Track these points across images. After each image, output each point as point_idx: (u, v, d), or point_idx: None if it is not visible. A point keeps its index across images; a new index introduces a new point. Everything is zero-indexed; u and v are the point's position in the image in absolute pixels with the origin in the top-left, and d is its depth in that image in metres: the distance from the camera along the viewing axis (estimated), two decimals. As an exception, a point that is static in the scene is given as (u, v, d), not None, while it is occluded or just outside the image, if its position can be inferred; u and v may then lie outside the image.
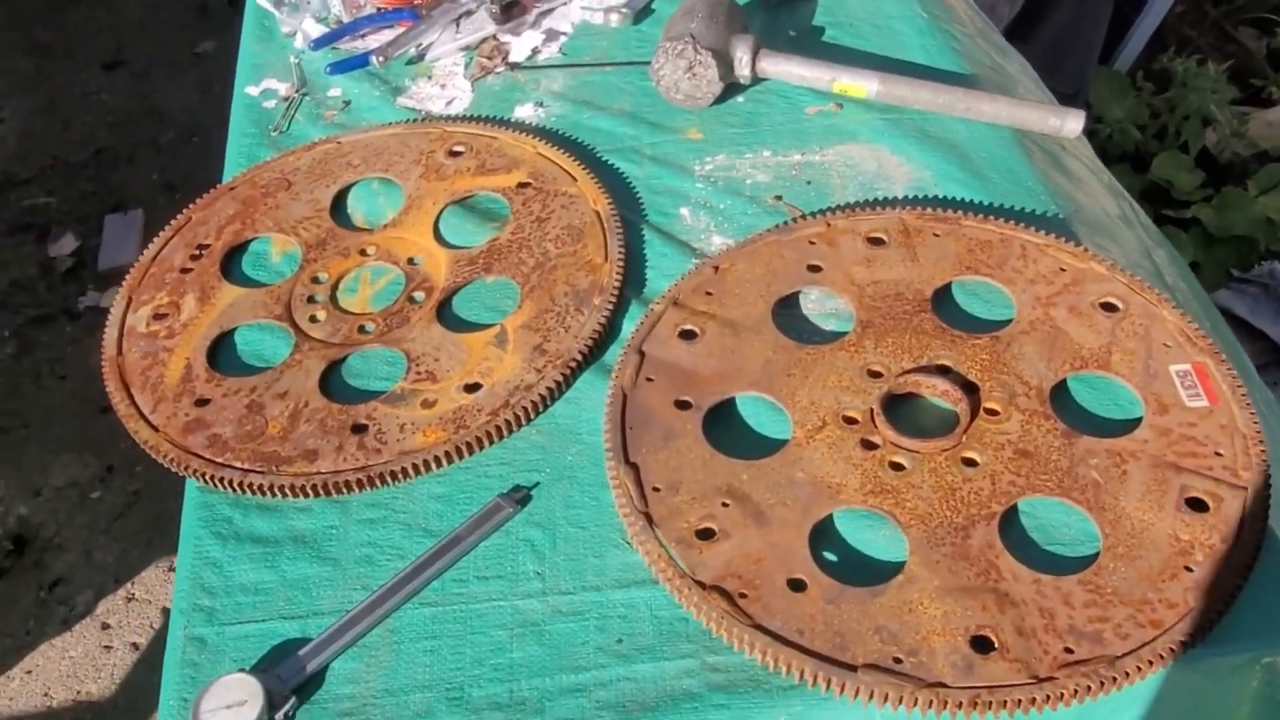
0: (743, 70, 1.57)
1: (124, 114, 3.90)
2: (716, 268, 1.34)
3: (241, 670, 1.04)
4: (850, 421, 1.17)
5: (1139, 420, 1.15)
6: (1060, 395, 1.19)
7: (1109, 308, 1.25)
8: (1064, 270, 1.29)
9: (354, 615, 1.09)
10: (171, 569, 2.60)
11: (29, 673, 2.42)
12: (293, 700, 1.03)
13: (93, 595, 2.57)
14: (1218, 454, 1.11)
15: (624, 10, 1.78)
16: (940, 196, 1.43)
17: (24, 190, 3.63)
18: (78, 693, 2.38)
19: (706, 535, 1.09)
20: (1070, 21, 3.41)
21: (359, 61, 1.74)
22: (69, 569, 2.61)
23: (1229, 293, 2.87)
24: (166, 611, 2.51)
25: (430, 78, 1.73)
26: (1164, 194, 3.05)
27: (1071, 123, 1.50)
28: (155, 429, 1.25)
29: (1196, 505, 1.07)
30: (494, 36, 1.76)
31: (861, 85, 1.54)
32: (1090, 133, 3.06)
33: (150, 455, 1.23)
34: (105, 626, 2.52)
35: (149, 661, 2.42)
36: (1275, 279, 2.87)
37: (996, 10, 3.53)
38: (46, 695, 2.38)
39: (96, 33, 4.29)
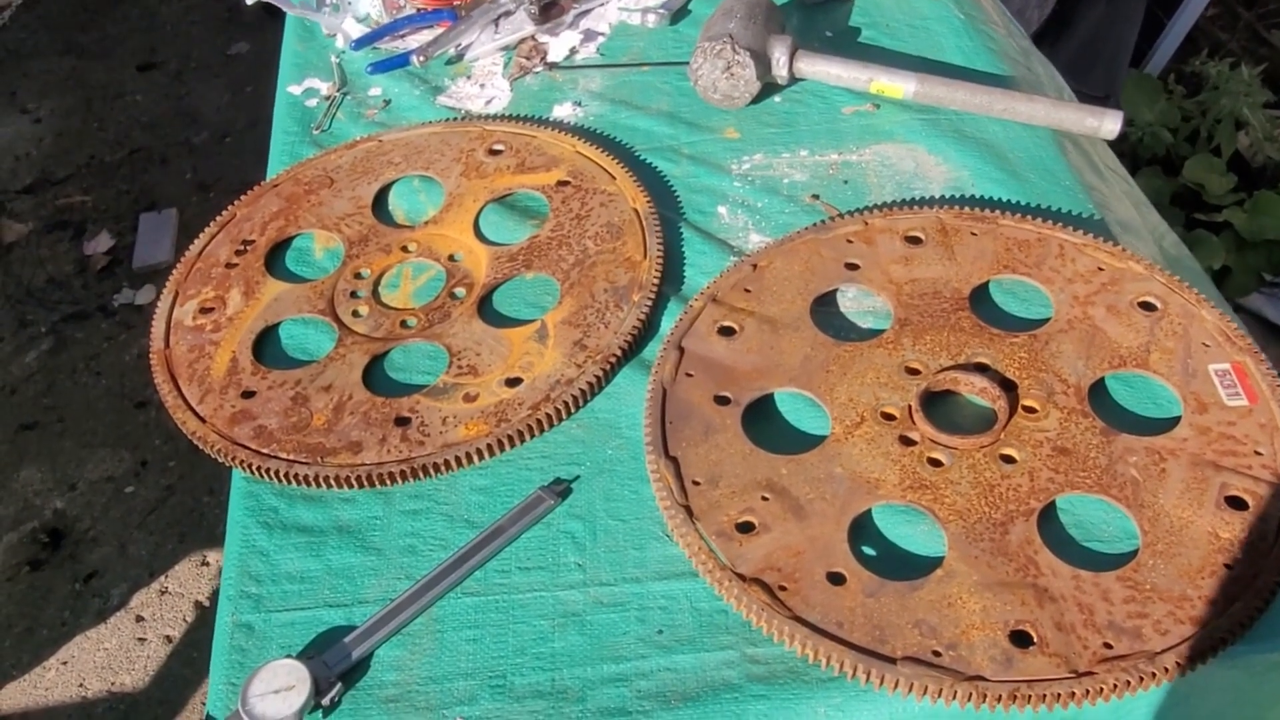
0: (780, 70, 1.58)
1: (158, 114, 3.95)
2: (755, 265, 1.35)
3: (288, 656, 1.06)
4: (888, 418, 1.18)
5: (1178, 419, 1.15)
6: (1098, 393, 1.19)
7: (1147, 307, 1.25)
8: (1102, 270, 1.30)
9: (398, 604, 1.10)
10: (204, 563, 2.63)
11: (64, 664, 2.45)
12: (339, 686, 1.05)
13: (127, 588, 2.60)
14: (1257, 453, 1.11)
15: (661, 11, 1.80)
16: (977, 196, 1.44)
17: (60, 189, 3.67)
18: (112, 684, 2.41)
19: (746, 528, 1.10)
20: (1101, 25, 3.40)
21: (399, 61, 1.76)
22: (103, 562, 2.64)
23: (1261, 297, 2.86)
24: (199, 605, 2.54)
25: (469, 77, 1.75)
26: (1195, 197, 3.04)
27: (1110, 123, 1.50)
28: (203, 420, 1.27)
29: (1236, 503, 1.07)
30: (532, 37, 1.78)
31: (899, 86, 1.55)
32: (1121, 135, 3.06)
33: (196, 446, 1.25)
34: (139, 619, 2.55)
35: (182, 654, 2.45)
36: (1308, 284, 2.86)
37: (1025, 14, 3.53)
38: (81, 686, 2.41)
39: (131, 35, 4.33)
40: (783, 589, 1.05)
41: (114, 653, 2.47)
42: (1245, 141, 3.12)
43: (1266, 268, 2.90)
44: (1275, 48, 3.40)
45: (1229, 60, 3.23)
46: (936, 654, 0.99)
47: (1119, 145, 1.79)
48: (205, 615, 2.49)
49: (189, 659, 2.43)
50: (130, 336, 3.11)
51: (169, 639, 2.51)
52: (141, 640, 2.51)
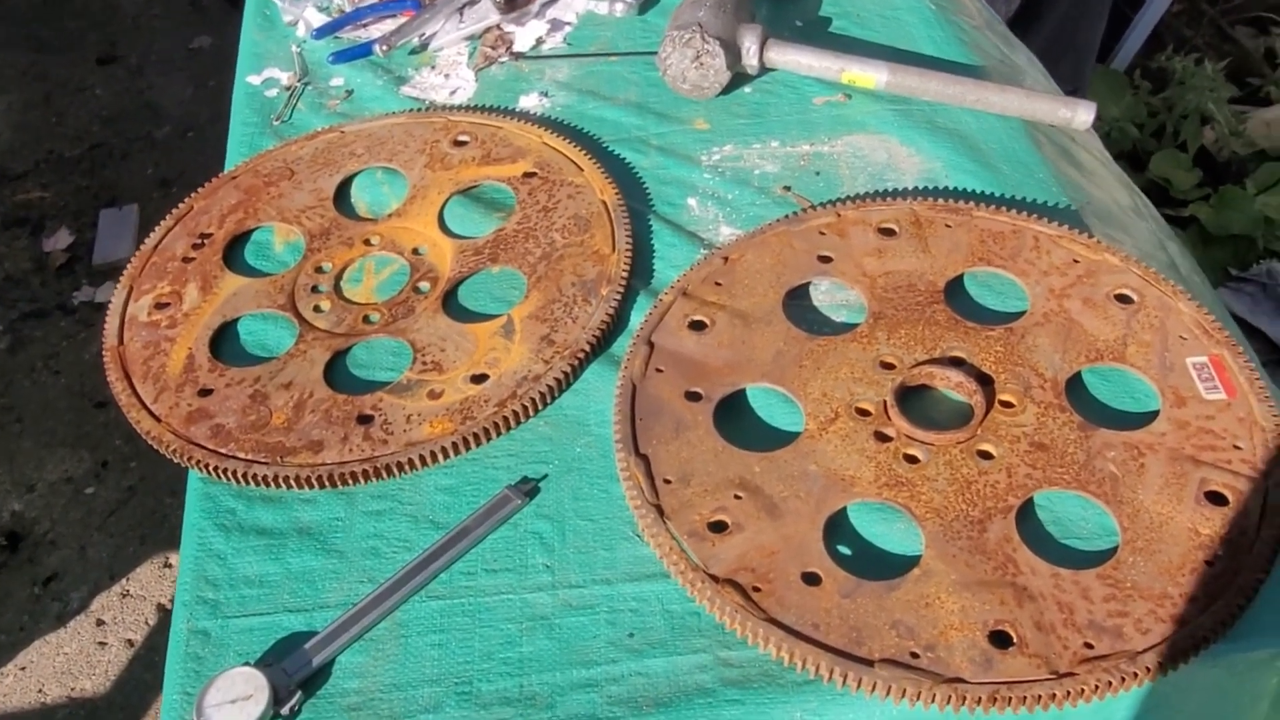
0: (750, 60, 1.56)
1: (118, 109, 3.88)
2: (726, 258, 1.32)
3: (246, 664, 1.03)
4: (863, 413, 1.16)
5: (1156, 413, 1.14)
6: (1076, 388, 1.17)
7: (1124, 299, 1.24)
8: (1077, 262, 1.28)
9: (361, 608, 1.07)
10: (167, 565, 2.58)
11: (23, 669, 2.40)
12: (299, 694, 1.01)
13: (87, 591, 2.55)
14: (1236, 447, 1.09)
15: (629, 0, 1.76)
16: (951, 188, 1.42)
17: (18, 184, 3.60)
18: (72, 689, 2.36)
19: (719, 528, 1.07)
20: (1068, 20, 3.40)
21: (361, 51, 1.72)
22: (63, 565, 2.59)
23: (1227, 291, 2.86)
24: (161, 608, 2.49)
25: (434, 67, 1.71)
26: (1162, 193, 3.05)
27: (1082, 114, 1.49)
28: (158, 419, 1.23)
29: (1216, 499, 1.06)
30: (498, 26, 1.75)
31: (870, 76, 1.53)
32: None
33: (152, 446, 1.21)
34: (100, 623, 2.50)
35: (144, 658, 2.40)
36: (1273, 278, 2.87)
37: (994, 7, 3.52)
38: (40, 692, 2.36)
39: (91, 28, 4.26)
40: (756, 590, 1.02)
41: (74, 657, 2.42)
42: (1211, 137, 3.13)
43: (1232, 262, 2.91)
44: (1239, 43, 3.42)
45: (1194, 56, 3.24)
46: (915, 656, 0.97)
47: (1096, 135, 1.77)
48: (168, 618, 2.43)
49: (151, 663, 2.38)
50: (90, 335, 3.05)
51: (130, 643, 2.46)
52: (102, 644, 2.46)
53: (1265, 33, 3.38)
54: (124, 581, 2.58)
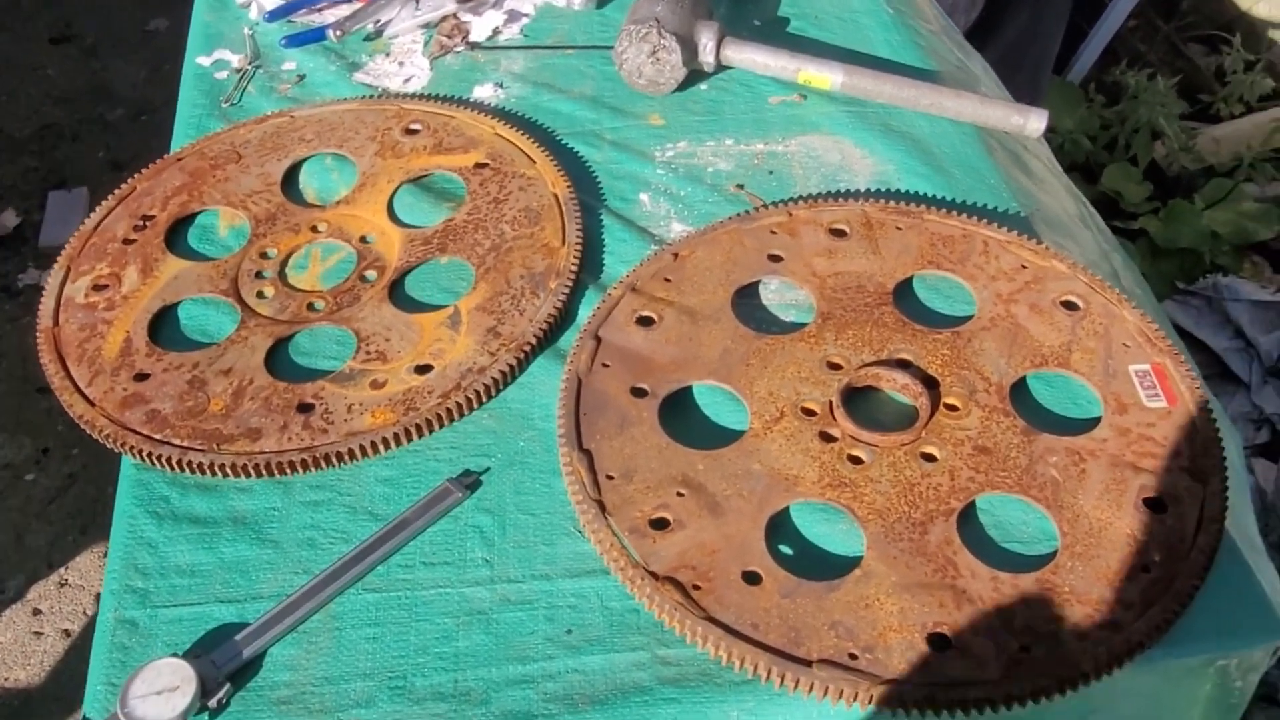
0: (707, 57, 1.55)
1: (71, 90, 3.80)
2: (676, 255, 1.31)
3: (174, 655, 1.00)
4: (809, 413, 1.15)
5: (1098, 419, 1.14)
6: (1020, 392, 1.18)
7: (1070, 306, 1.24)
8: (1025, 267, 1.28)
9: (294, 600, 1.05)
10: (106, 555, 2.53)
11: (-46, 658, 2.34)
12: (227, 687, 0.99)
13: (24, 580, 2.50)
14: (1176, 454, 1.10)
15: (587, -7, 1.76)
16: (903, 191, 1.42)
17: (-37, 164, 3.52)
18: (5, 679, 2.31)
19: (660, 525, 1.06)
20: (1025, 32, 3.43)
21: (315, 35, 1.69)
22: (0, 552, 2.53)
23: (1173, 304, 2.90)
24: (100, 598, 2.44)
25: (388, 54, 1.69)
26: (1113, 205, 3.08)
27: (1034, 121, 1.49)
28: (91, 403, 1.20)
29: (1155, 505, 1.06)
30: (454, 15, 1.73)
31: (826, 77, 1.52)
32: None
33: (85, 431, 1.18)
34: (36, 612, 2.45)
35: (81, 649, 2.35)
36: (1218, 292, 2.91)
37: (954, 16, 3.55)
38: (-29, 681, 2.31)
39: (44, 6, 4.17)
40: (696, 588, 1.01)
41: (8, 646, 2.37)
42: (1161, 151, 3.17)
43: (1179, 275, 2.94)
44: (1191, 60, 3.46)
45: (1147, 71, 3.28)
46: (853, 657, 0.96)
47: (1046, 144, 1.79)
48: (105, 609, 2.40)
49: (87, 654, 2.30)
50: (34, 319, 2.97)
51: (67, 633, 2.41)
52: (38, 634, 2.41)
53: (1216, 51, 3.43)
54: (62, 571, 2.53)
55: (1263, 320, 2.90)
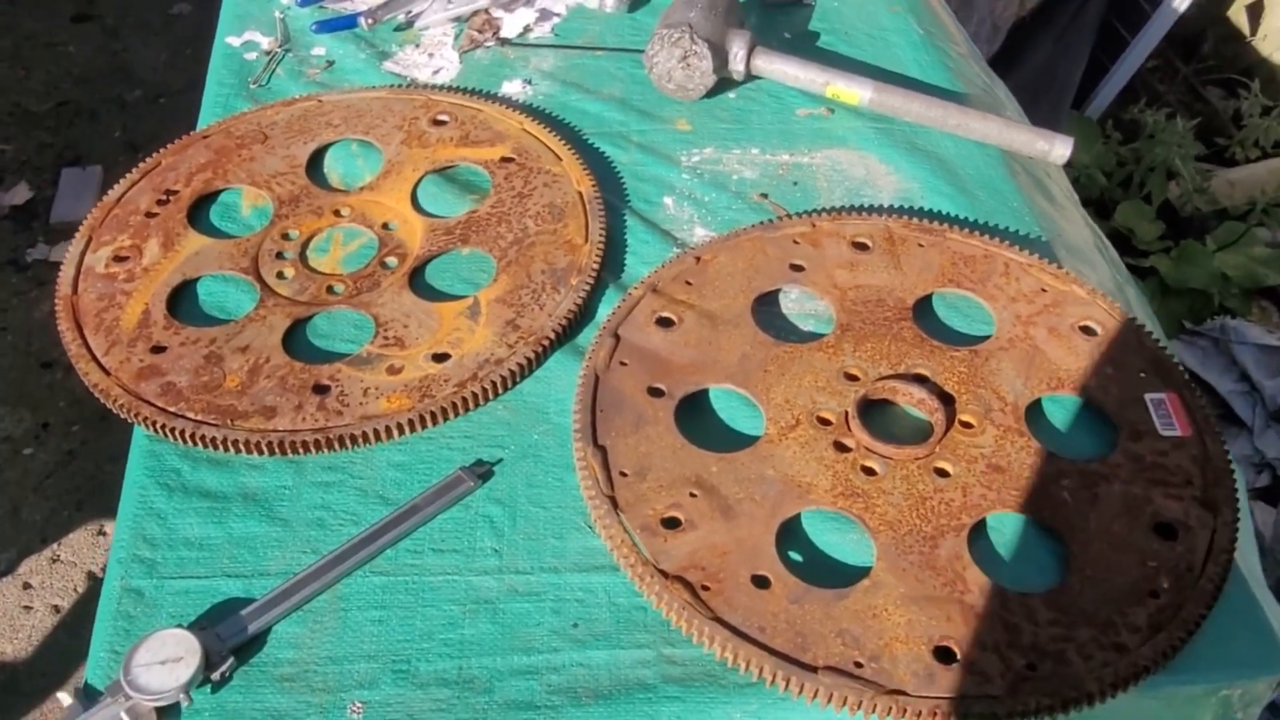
0: (737, 65, 1.55)
1: (90, 69, 3.81)
2: (698, 258, 1.32)
3: (179, 626, 1.00)
4: (824, 422, 1.15)
5: (1113, 445, 1.14)
6: (1036, 414, 1.18)
7: (1088, 331, 1.25)
8: (1045, 291, 1.29)
9: (302, 578, 1.05)
10: (101, 533, 2.53)
11: (-58, 627, 2.33)
12: (231, 660, 0.99)
13: (16, 554, 2.49)
14: (1188, 483, 1.10)
15: (620, -4, 1.76)
16: (926, 209, 1.43)
17: (-22, 136, 3.53)
18: (-9, 651, 2.30)
19: (672, 524, 1.06)
20: (1046, 65, 3.45)
21: (346, 22, 1.70)
22: (-7, 525, 2.53)
23: (1180, 344, 2.90)
24: (92, 575, 2.44)
25: (418, 45, 1.70)
26: (1125, 242, 3.09)
27: (1060, 148, 1.50)
28: (107, 372, 1.20)
29: (1165, 532, 1.06)
30: (486, 10, 1.73)
31: (855, 92, 1.53)
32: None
33: (99, 400, 1.18)
34: (27, 586, 2.44)
35: (69, 625, 2.34)
36: (1226, 334, 2.92)
37: (977, 45, 3.57)
38: (-42, 652, 2.30)
39: (68, -17, 4.19)
40: (705, 589, 1.01)
41: (-4, 619, 2.37)
42: (1176, 191, 3.18)
43: (1187, 315, 2.95)
44: (1209, 103, 3.48)
45: (1166, 111, 3.29)
46: (858, 665, 0.96)
47: (1065, 174, 1.79)
48: (97, 586, 2.38)
49: (76, 630, 2.32)
50: (42, 294, 2.98)
51: (57, 609, 2.40)
52: (27, 608, 2.40)
53: (1235, 95, 3.44)
54: (55, 546, 2.52)
55: (1268, 364, 2.90)
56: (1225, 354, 2.92)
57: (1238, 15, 3.55)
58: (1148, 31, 3.29)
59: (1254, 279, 2.99)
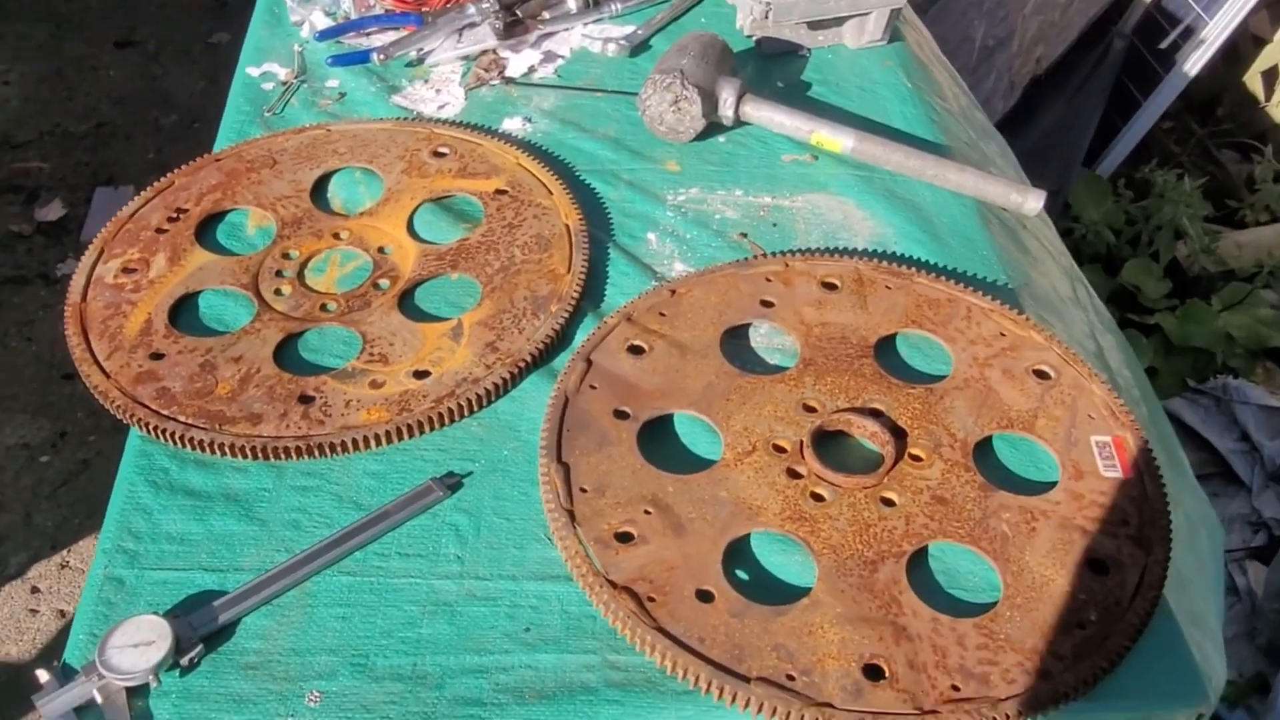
0: (726, 111, 1.63)
1: (129, 92, 3.94)
2: (673, 291, 1.38)
3: (154, 613, 1.06)
4: (779, 450, 1.21)
5: (1055, 483, 1.19)
6: (983, 450, 1.23)
7: (1041, 375, 1.30)
8: (1004, 335, 1.34)
9: (273, 574, 1.11)
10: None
11: (-50, 624, 2.41)
12: (200, 648, 1.05)
13: (26, 558, 2.56)
14: (1124, 522, 1.15)
15: (622, 42, 1.84)
16: (898, 253, 1.48)
17: (19, 153, 3.65)
18: (-2, 651, 2.37)
19: (625, 538, 1.12)
20: (1059, 122, 3.51)
21: (360, 57, 1.79)
22: (6, 529, 2.60)
23: (1182, 401, 2.93)
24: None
25: (426, 81, 1.78)
26: (1131, 299, 3.13)
27: (1032, 201, 1.56)
28: (107, 375, 1.27)
29: (1097, 567, 1.11)
30: (494, 50, 1.82)
31: (838, 140, 1.59)
32: (1066, 231, 3.15)
33: (98, 400, 1.26)
34: (35, 590, 2.51)
35: (74, 629, 2.41)
36: (1228, 393, 2.94)
37: (992, 103, 3.64)
38: (-36, 649, 2.37)
39: (113, 10, 4.33)
40: (651, 600, 1.06)
41: (3, 621, 2.43)
42: (1183, 251, 3.22)
43: (1191, 374, 2.98)
44: (1223, 166, 3.52)
45: (1176, 171, 3.33)
46: (790, 678, 1.01)
47: (1063, 239, 1.85)
48: (102, 591, 2.45)
49: (79, 634, 2.39)
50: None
51: (62, 614, 2.47)
52: (34, 612, 2.47)
53: (1249, 158, 3.48)
54: (65, 553, 2.59)
55: (1269, 425, 2.92)
56: (1227, 413, 2.94)
57: (1253, 81, 3.60)
58: (1159, 93, 3.35)
59: (1258, 340, 3.02)
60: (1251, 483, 2.83)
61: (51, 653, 2.38)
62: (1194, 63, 3.26)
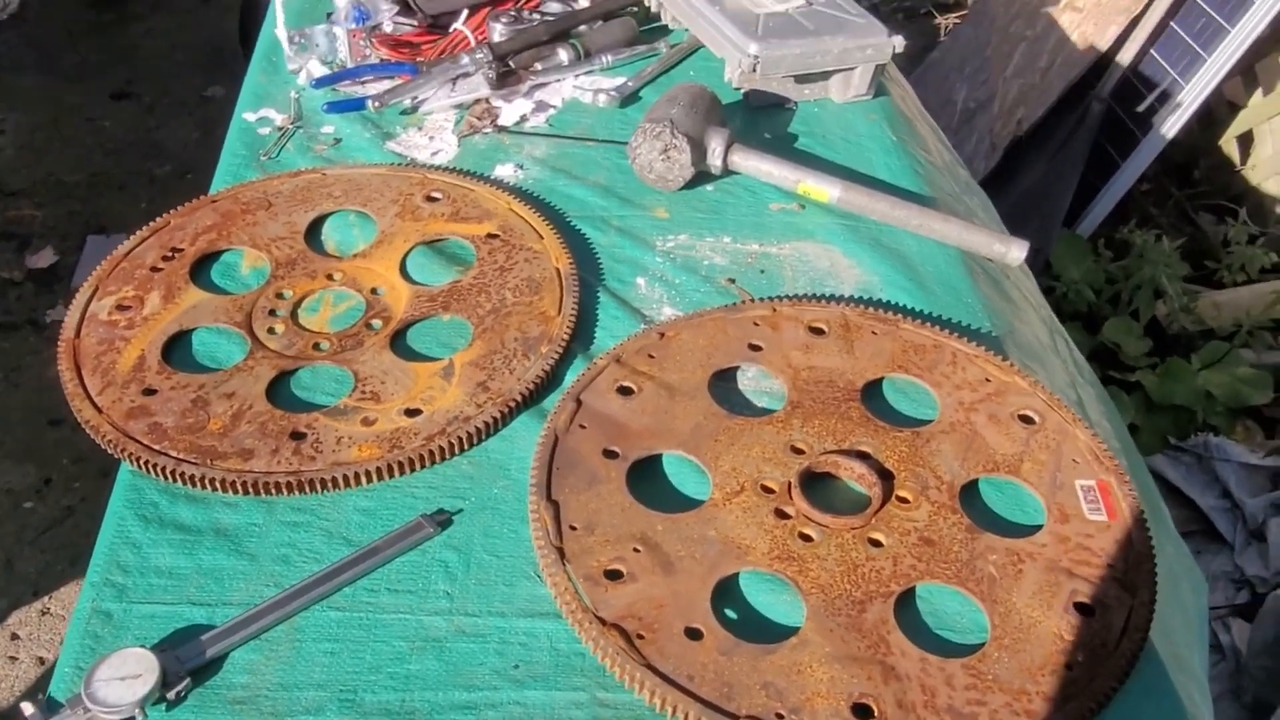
0: (714, 160, 1.66)
1: (124, 143, 3.98)
2: (662, 334, 1.40)
3: (141, 646, 1.06)
4: (767, 490, 1.22)
5: (1040, 526, 1.20)
6: (970, 493, 1.24)
7: (1026, 419, 1.31)
8: (989, 380, 1.36)
9: (262, 609, 1.11)
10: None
11: (-73, 670, 2.38)
12: (187, 681, 1.04)
13: (6, 604, 2.54)
14: (1110, 565, 1.16)
15: (613, 93, 1.88)
16: (884, 300, 1.51)
17: (12, 201, 3.68)
18: (-27, 698, 2.34)
19: (614, 576, 1.12)
20: (1039, 183, 3.58)
21: (355, 104, 1.82)
22: (-13, 574, 2.59)
23: (1164, 459, 2.95)
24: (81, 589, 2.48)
25: (420, 128, 1.81)
26: (1112, 356, 3.16)
27: (1015, 251, 1.59)
28: (99, 410, 1.28)
29: (1084, 609, 1.12)
30: (487, 100, 1.85)
31: (824, 190, 1.62)
32: (1047, 289, 3.19)
33: (90, 435, 1.26)
34: (14, 637, 2.49)
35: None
36: (1209, 451, 2.96)
37: (974, 163, 3.70)
38: (-60, 695, 2.34)
39: (110, 64, 4.39)
40: (640, 637, 1.07)
41: (-19, 667, 2.41)
42: (1163, 310, 3.26)
43: (1172, 431, 3.00)
44: (1200, 227, 3.58)
45: (1155, 232, 3.39)
46: (780, 716, 1.01)
47: (1032, 277, 1.88)
48: (81, 638, 2.43)
49: (58, 682, 2.36)
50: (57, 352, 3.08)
51: (42, 660, 2.45)
52: (13, 659, 2.45)
53: (1224, 221, 3.54)
54: (46, 599, 2.57)
55: (1250, 483, 2.94)
56: (1208, 470, 2.97)
57: (1229, 145, 3.68)
58: (1137, 155, 3.41)
59: (1238, 398, 3.05)
60: (1234, 540, 2.85)
61: (30, 701, 2.34)
62: (1171, 126, 3.33)
